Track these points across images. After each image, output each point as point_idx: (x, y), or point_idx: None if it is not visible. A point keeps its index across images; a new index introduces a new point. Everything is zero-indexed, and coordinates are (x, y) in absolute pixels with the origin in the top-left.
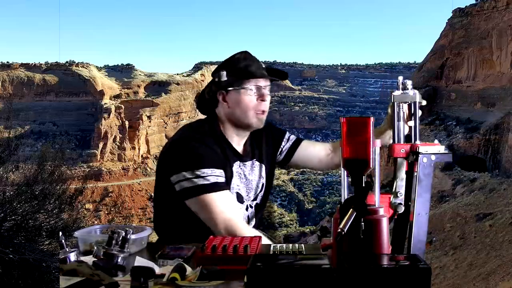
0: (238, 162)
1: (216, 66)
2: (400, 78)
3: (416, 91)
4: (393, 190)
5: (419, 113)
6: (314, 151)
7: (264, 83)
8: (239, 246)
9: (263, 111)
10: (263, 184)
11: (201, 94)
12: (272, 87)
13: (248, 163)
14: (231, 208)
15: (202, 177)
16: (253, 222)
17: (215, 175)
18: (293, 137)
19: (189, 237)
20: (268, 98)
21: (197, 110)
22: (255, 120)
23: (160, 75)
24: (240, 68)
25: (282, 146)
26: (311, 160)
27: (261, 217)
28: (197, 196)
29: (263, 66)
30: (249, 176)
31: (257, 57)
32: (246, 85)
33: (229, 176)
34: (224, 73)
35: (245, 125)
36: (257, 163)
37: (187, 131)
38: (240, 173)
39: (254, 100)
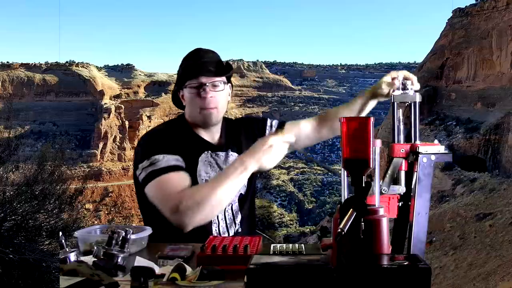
0: (208, 152)
1: None
2: (400, 78)
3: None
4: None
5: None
6: (300, 129)
7: (206, 79)
8: (239, 246)
9: (210, 108)
10: None
11: (171, 92)
12: (272, 87)
13: (222, 154)
14: (180, 187)
15: (153, 163)
16: (239, 216)
17: (167, 159)
18: (275, 122)
19: (179, 237)
20: (213, 94)
21: None
22: (201, 117)
23: (160, 75)
24: (184, 67)
25: (267, 134)
26: (299, 138)
27: (252, 211)
28: (150, 182)
29: (213, 62)
30: (222, 165)
31: (257, 57)
32: (188, 83)
33: (192, 164)
34: (178, 71)
35: (196, 121)
36: (233, 153)
37: (155, 126)
38: (210, 162)
39: (196, 98)
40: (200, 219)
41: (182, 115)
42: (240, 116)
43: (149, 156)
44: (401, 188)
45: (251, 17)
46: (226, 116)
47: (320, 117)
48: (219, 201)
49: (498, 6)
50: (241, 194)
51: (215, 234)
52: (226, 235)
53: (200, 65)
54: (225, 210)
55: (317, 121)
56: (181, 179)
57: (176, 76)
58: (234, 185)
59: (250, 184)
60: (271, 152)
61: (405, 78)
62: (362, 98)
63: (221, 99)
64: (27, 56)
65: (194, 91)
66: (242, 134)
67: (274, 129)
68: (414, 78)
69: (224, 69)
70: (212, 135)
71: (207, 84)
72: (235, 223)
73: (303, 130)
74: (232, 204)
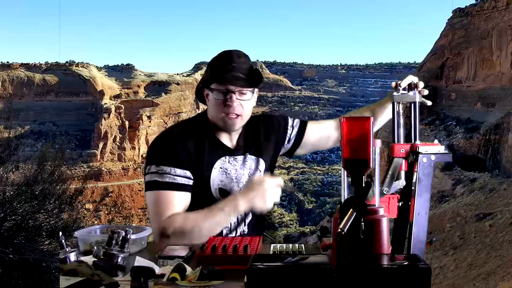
0: (226, 157)
1: None
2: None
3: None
4: (381, 186)
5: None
6: (322, 130)
7: (234, 87)
8: (239, 246)
9: (235, 116)
10: None
11: (196, 87)
12: (272, 87)
13: (240, 158)
14: (174, 209)
15: (159, 173)
16: (249, 217)
17: (174, 174)
18: (297, 122)
19: None
20: (238, 102)
21: (197, 110)
22: (222, 122)
23: (160, 75)
24: (212, 68)
25: (289, 134)
26: (321, 139)
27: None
28: (151, 190)
29: (244, 68)
30: (240, 170)
31: (257, 57)
32: (215, 87)
33: (207, 171)
34: (207, 70)
35: (218, 125)
36: (251, 157)
37: (174, 125)
38: (227, 168)
39: (221, 104)
40: (178, 242)
41: (204, 114)
42: None
43: (159, 162)
44: (401, 182)
45: (251, 17)
46: None
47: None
48: (202, 235)
49: (498, 6)
50: None
51: (225, 233)
52: (233, 234)
53: (230, 71)
54: None
55: (336, 124)
56: (179, 200)
57: (174, 76)
58: (221, 222)
59: None
60: (265, 195)
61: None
62: (387, 100)
63: (246, 107)
64: (27, 56)
65: (220, 96)
66: (262, 134)
67: (296, 129)
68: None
69: (255, 79)
70: (232, 137)
71: (235, 91)
72: (244, 223)
73: (325, 130)
74: None
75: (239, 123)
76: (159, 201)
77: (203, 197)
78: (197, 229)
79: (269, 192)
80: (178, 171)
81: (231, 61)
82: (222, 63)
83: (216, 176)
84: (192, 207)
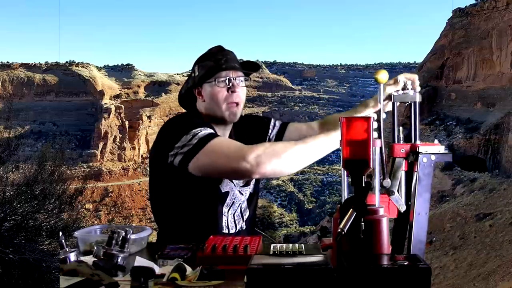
0: None
1: None
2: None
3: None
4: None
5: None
6: (302, 132)
7: (234, 74)
8: (239, 246)
9: (236, 103)
10: None
11: (180, 91)
12: (272, 87)
13: None
14: (235, 142)
15: (198, 133)
16: (247, 213)
17: (208, 130)
18: (278, 123)
19: (189, 227)
20: (239, 89)
21: None
22: (228, 112)
23: (160, 75)
24: (210, 61)
25: (269, 134)
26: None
27: (255, 210)
28: (201, 149)
29: (236, 59)
30: None
31: (257, 57)
32: (216, 78)
33: None
34: (197, 67)
35: (219, 118)
36: None
37: (174, 118)
38: None
39: (224, 92)
40: (273, 168)
41: (195, 112)
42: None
43: (187, 131)
44: (398, 172)
45: (251, 17)
46: None
47: (321, 122)
48: (297, 155)
49: (498, 6)
50: (250, 193)
51: (225, 229)
52: (233, 230)
53: (229, 61)
54: (235, 209)
55: (318, 125)
56: (228, 140)
57: (174, 76)
58: (317, 146)
59: (257, 184)
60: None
61: (407, 79)
62: (365, 107)
63: (243, 95)
64: (27, 56)
65: (222, 84)
66: (247, 133)
67: (276, 129)
68: (415, 77)
69: (253, 66)
70: (224, 134)
71: (235, 78)
72: (242, 219)
73: (308, 131)
74: (241, 203)
75: (239, 112)
76: (222, 144)
77: (208, 194)
78: (289, 148)
79: (298, 152)
80: (208, 128)
81: (226, 54)
82: (219, 56)
83: None
84: (195, 204)
